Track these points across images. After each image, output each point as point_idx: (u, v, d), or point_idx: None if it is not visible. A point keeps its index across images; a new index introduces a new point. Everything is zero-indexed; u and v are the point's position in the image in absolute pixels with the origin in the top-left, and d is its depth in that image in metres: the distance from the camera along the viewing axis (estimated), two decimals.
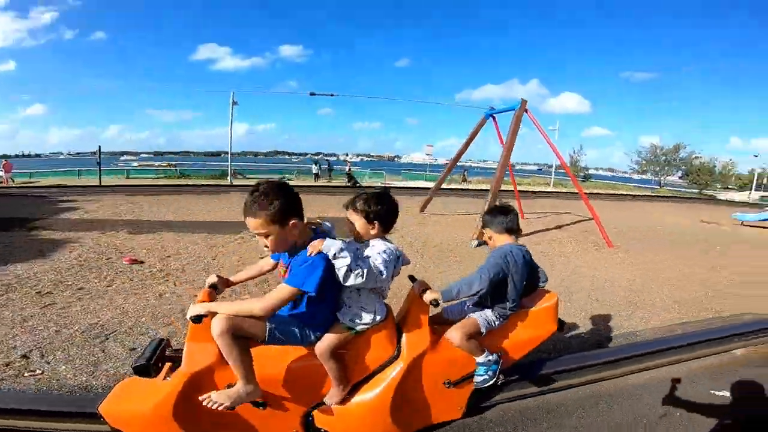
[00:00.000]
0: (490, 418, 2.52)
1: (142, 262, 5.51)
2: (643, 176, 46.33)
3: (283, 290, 1.74)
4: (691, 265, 6.95)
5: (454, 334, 2.18)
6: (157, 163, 40.09)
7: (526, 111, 8.61)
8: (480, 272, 2.19)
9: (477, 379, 2.23)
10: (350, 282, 1.79)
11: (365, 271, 1.80)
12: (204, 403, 1.76)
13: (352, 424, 2.10)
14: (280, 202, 1.73)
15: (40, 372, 2.76)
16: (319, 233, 1.91)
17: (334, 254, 1.75)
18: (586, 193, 9.43)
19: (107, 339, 3.24)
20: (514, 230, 2.38)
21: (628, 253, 7.65)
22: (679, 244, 8.96)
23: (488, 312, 2.30)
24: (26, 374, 2.72)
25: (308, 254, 1.75)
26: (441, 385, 2.23)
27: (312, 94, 19.98)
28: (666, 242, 9.05)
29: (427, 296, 2.06)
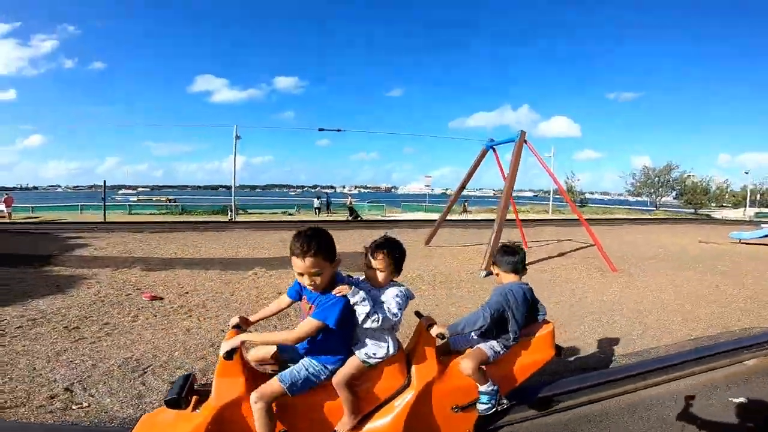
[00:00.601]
0: None
1: (161, 299, 5.63)
2: (638, 198, 46.99)
3: (310, 323, 2.01)
4: (695, 285, 7.15)
5: (466, 364, 2.34)
6: (155, 198, 40.16)
7: (525, 142, 8.95)
8: (483, 310, 2.40)
9: (480, 407, 2.38)
10: (367, 325, 2.05)
11: (381, 317, 2.05)
12: None
13: None
14: (330, 244, 2.03)
15: (87, 405, 2.86)
16: (339, 276, 2.15)
17: (356, 302, 2.03)
18: (585, 219, 9.68)
19: (145, 372, 3.35)
20: (519, 270, 2.61)
21: (632, 277, 7.84)
22: (681, 265, 9.16)
23: (493, 342, 2.49)
24: (74, 407, 2.83)
25: (334, 294, 2.03)
26: (449, 411, 2.37)
27: (321, 129, 20.75)
28: (667, 264, 9.24)
29: (434, 330, 2.25)
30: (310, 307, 2.08)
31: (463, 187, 10.92)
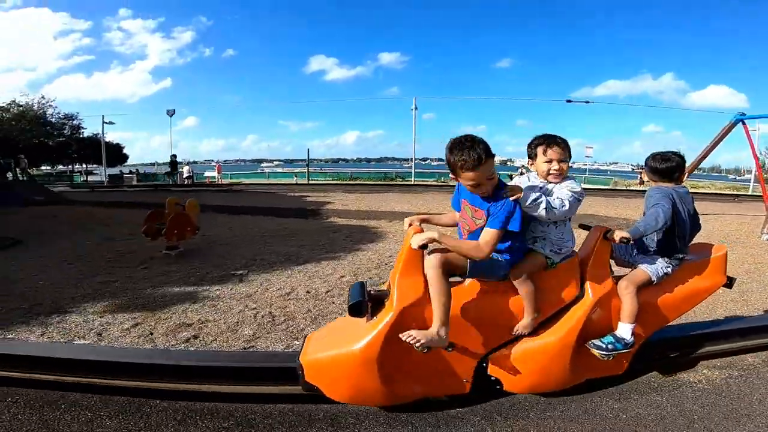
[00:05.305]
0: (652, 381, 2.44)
1: None
2: None
3: (492, 234, 1.86)
4: None
5: (623, 285, 2.13)
6: (297, 169, 43.86)
7: None
8: (656, 209, 2.11)
9: (598, 345, 2.08)
10: (536, 213, 1.95)
11: (545, 205, 1.95)
12: (404, 339, 1.86)
13: (524, 371, 2.06)
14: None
15: None
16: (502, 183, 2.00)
17: (529, 203, 1.94)
18: None
19: None
20: (674, 178, 2.29)
21: None
22: None
23: (660, 261, 2.22)
24: None
25: (510, 199, 1.89)
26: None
27: (568, 101, 20.50)
28: None
29: (617, 235, 2.06)
30: (477, 211, 1.97)
31: (702, 159, 10.39)
